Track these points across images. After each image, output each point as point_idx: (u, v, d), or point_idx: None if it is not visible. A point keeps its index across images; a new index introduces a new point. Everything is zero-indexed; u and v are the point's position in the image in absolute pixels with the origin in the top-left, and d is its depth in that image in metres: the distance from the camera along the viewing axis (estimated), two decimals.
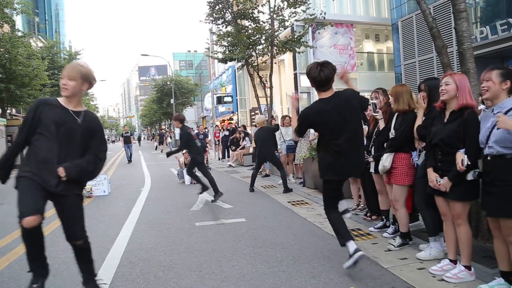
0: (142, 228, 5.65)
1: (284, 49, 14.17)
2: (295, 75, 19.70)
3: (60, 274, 3.89)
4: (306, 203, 6.88)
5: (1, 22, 20.06)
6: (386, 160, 4.08)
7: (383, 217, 4.88)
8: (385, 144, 4.27)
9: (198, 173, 8.10)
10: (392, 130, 4.15)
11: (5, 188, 10.25)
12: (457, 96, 3.18)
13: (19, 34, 21.77)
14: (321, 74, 3.49)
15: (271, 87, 14.59)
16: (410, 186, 4.12)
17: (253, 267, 3.82)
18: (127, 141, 19.82)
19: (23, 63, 19.45)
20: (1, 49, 18.69)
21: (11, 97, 19.79)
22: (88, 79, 3.05)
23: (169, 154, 8.43)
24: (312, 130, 9.32)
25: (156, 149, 30.46)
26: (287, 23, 14.24)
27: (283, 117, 10.52)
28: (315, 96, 19.29)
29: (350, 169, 3.66)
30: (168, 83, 40.38)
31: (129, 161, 19.05)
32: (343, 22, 20.07)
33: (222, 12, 14.67)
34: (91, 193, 8.90)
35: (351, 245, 3.45)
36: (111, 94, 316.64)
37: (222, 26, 15.09)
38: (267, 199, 7.65)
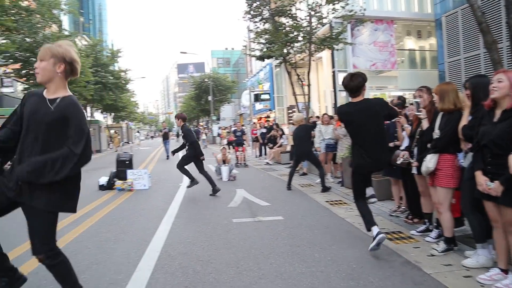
0: (181, 222, 5.78)
1: (322, 47, 13.99)
2: (333, 73, 19.40)
3: (104, 263, 4.03)
4: (345, 203, 6.78)
5: (50, 23, 21.08)
6: (430, 161, 3.94)
7: (426, 220, 4.72)
8: (428, 145, 4.13)
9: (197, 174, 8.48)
10: (437, 130, 3.99)
11: None
12: (510, 94, 3.02)
13: (66, 33, 22.81)
14: (351, 83, 4.15)
15: (309, 85, 14.48)
16: (456, 188, 3.96)
17: (290, 266, 3.82)
18: (165, 137, 20.27)
19: None
20: None
21: None
22: (62, 59, 2.59)
23: (174, 152, 9.09)
24: None
25: None
26: (325, 20, 14.05)
27: (322, 115, 10.42)
28: None
29: (372, 164, 4.19)
30: (206, 80, 40.94)
31: (168, 157, 19.34)
32: (383, 18, 19.53)
33: (259, 10, 14.69)
34: (132, 187, 9.21)
35: (375, 229, 4.03)
36: (151, 91, 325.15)
37: (260, 24, 15.11)
38: (304, 197, 7.61)
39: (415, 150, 4.65)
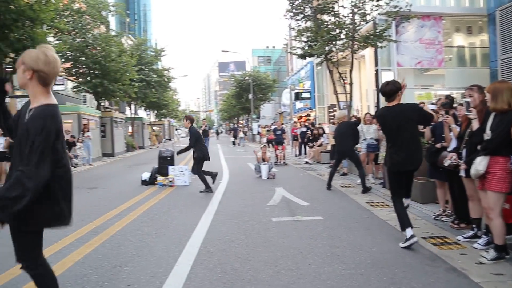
0: (220, 219, 5.84)
1: (365, 44, 13.67)
2: (377, 71, 18.89)
3: (145, 256, 4.15)
4: (386, 205, 6.59)
5: (98, 23, 22.00)
6: (480, 163, 3.74)
7: (474, 226, 4.49)
8: (479, 147, 3.92)
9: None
10: (488, 131, 3.78)
11: (98, 174, 11.20)
12: None
13: (113, 33, 23.71)
14: (386, 88, 4.56)
15: (351, 84, 14.21)
16: (508, 193, 3.73)
17: (329, 267, 3.76)
18: (205, 134, 20.20)
19: (116, 60, 21.14)
20: (98, 48, 20.49)
21: (105, 91, 21.62)
22: (29, 66, 2.39)
23: (179, 153, 9.11)
24: None
25: (233, 143, 31.34)
26: (368, 17, 13.70)
27: (364, 115, 10.18)
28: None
29: (402, 162, 4.47)
30: (247, 78, 41.20)
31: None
32: (430, 14, 18.75)
33: (301, 7, 14.56)
34: (173, 183, 9.43)
35: (409, 231, 4.23)
36: (192, 89, 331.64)
37: (302, 22, 14.98)
38: (344, 198, 7.47)
39: (464, 152, 4.44)
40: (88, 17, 21.13)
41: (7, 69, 12.69)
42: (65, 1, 19.54)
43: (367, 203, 6.83)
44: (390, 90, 4.52)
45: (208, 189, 8.39)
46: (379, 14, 13.81)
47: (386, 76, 18.52)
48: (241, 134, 33.75)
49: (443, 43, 19.05)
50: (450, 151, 4.90)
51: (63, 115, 11.89)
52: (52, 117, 2.40)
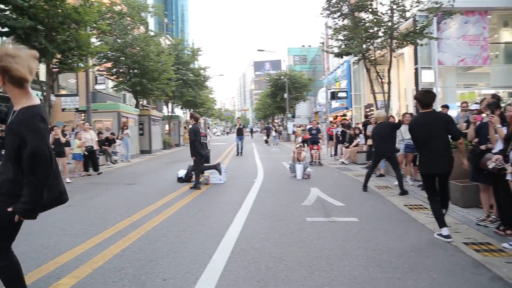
0: (254, 218, 5.86)
1: (404, 42, 13.28)
2: (416, 70, 18.34)
3: (181, 252, 4.22)
4: (425, 208, 6.36)
5: (138, 24, 22.65)
6: None
7: None
8: None
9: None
10: None
11: (136, 170, 11.52)
12: None
13: (152, 34, 24.32)
14: (423, 98, 4.91)
15: (389, 83, 13.87)
16: None
17: (365, 270, 3.68)
18: (239, 133, 20.17)
19: (154, 60, 21.68)
20: (137, 48, 21.09)
21: (144, 90, 22.24)
22: None
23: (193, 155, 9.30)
24: None
25: (266, 142, 31.42)
26: (408, 14, 13.29)
27: (403, 114, 9.89)
28: (438, 93, 17.69)
29: (433, 166, 4.74)
30: (282, 77, 41.08)
31: (239, 153, 19.11)
32: (475, 9, 17.94)
33: (338, 5, 14.35)
34: (208, 181, 9.54)
35: (445, 230, 4.58)
36: (228, 88, 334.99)
37: (339, 20, 14.77)
38: (381, 200, 7.29)
39: (511, 154, 4.21)
40: (128, 18, 21.80)
41: (54, 69, 13.29)
42: (107, 3, 20.28)
43: (405, 205, 6.63)
44: (429, 100, 4.87)
45: (198, 186, 8.90)
46: (419, 10, 13.36)
47: (426, 75, 17.97)
48: (273, 133, 33.73)
49: (489, 39, 18.19)
50: (495, 153, 4.67)
51: (104, 113, 12.52)
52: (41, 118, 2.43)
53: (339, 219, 5.69)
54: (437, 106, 12.52)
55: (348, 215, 5.95)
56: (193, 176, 9.70)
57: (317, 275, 3.57)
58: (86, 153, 11.88)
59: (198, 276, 3.55)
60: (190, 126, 9.90)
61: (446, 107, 9.79)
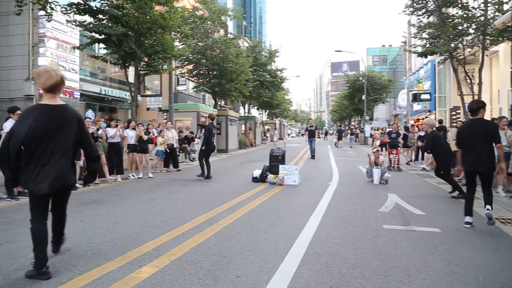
0: (328, 221, 5.75)
1: (500, 39, 12.10)
2: None
3: (254, 250, 4.27)
4: None
5: (218, 28, 23.46)
6: None
7: None
8: None
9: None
10: None
11: (212, 169, 11.84)
12: None
13: (231, 36, 25.04)
14: (473, 105, 5.74)
15: (480, 84, 12.75)
16: None
17: (447, 285, 3.42)
18: (311, 135, 18.90)
19: (233, 61, 22.30)
20: (217, 50, 21.86)
21: (222, 90, 22.98)
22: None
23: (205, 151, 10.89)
24: None
25: (335, 145, 30.83)
26: (506, 6, 12.06)
27: (499, 119, 9.01)
28: None
29: (473, 165, 5.50)
30: (360, 78, 39.89)
31: (312, 156, 18.21)
32: None
33: (424, 1, 13.52)
34: (282, 182, 9.57)
35: (468, 218, 5.57)
36: (304, 89, 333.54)
37: (423, 17, 13.93)
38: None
39: None
40: (209, 22, 22.68)
41: (141, 71, 14.29)
42: (190, 9, 21.32)
43: (496, 218, 6.03)
44: (476, 107, 5.64)
45: (202, 175, 10.65)
46: None
47: None
48: (349, 136, 33.02)
49: None
50: None
51: (185, 113, 13.21)
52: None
53: (419, 229, 5.37)
54: None
55: (429, 225, 5.59)
56: (268, 176, 9.81)
57: (393, 285, 3.40)
58: (167, 150, 12.60)
59: (270, 275, 3.57)
60: (207, 124, 11.69)
61: None
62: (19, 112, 7.74)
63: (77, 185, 8.96)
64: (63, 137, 3.56)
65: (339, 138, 32.03)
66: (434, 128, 9.02)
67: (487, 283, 3.48)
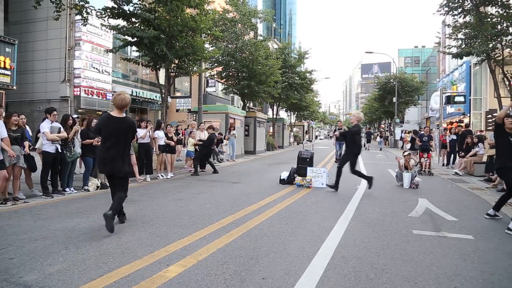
0: (356, 225, 5.67)
1: None
2: None
3: (280, 252, 4.27)
4: None
5: (248, 30, 23.56)
6: None
7: None
8: None
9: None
10: None
11: (240, 170, 11.96)
12: None
13: (260, 38, 25.09)
14: None
15: None
16: None
17: None
18: (339, 138, 17.26)
19: (262, 63, 22.34)
20: (247, 52, 21.96)
21: (251, 92, 23.06)
22: None
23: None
24: None
25: (364, 146, 30.41)
26: None
27: None
28: None
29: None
30: (391, 80, 39.09)
31: (337, 159, 16.96)
32: None
33: (460, 0, 13.11)
34: (310, 184, 9.51)
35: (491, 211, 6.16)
36: (333, 91, 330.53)
37: (459, 16, 13.51)
38: (503, 218, 6.47)
39: None
40: (240, 25, 22.83)
41: (171, 73, 14.54)
42: (220, 11, 21.52)
43: None
44: None
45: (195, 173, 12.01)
46: None
47: None
48: (378, 139, 32.49)
49: None
50: None
51: (214, 114, 13.38)
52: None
53: (450, 235, 5.20)
54: None
55: (461, 232, 5.41)
56: (295, 179, 9.77)
57: None
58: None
59: (296, 278, 3.56)
60: (210, 134, 13.07)
61: None
62: (55, 113, 8.01)
63: (107, 183, 9.24)
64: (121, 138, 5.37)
65: (368, 140, 31.62)
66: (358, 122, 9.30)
67: None
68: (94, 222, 5.56)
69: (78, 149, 8.44)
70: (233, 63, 22.42)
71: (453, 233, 5.31)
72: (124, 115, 5.41)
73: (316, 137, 70.05)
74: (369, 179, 9.06)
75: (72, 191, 8.25)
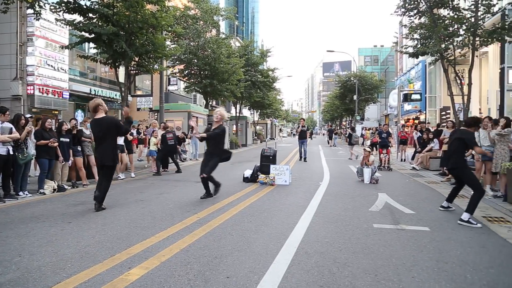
0: (319, 221, 5.76)
1: (489, 40, 12.22)
2: (502, 69, 16.86)
3: (244, 251, 4.27)
4: (508, 221, 5.83)
5: (210, 28, 23.38)
6: None
7: None
8: None
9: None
10: None
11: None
12: None
13: (223, 36, 24.97)
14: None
15: (469, 84, 12.88)
16: None
17: (436, 283, 3.44)
18: (302, 136, 17.42)
19: (224, 62, 22.24)
20: (209, 50, 21.79)
21: (214, 91, 22.91)
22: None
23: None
24: None
25: (328, 143, 31.21)
26: (496, 8, 12.16)
27: (483, 118, 9.14)
28: None
29: None
30: (352, 79, 40.08)
31: (302, 158, 16.90)
32: None
33: (415, 2, 13.61)
34: (273, 182, 9.57)
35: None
36: (296, 89, 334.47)
37: (415, 18, 14.02)
38: (456, 209, 6.80)
39: None
40: (201, 22, 22.60)
41: (131, 71, 14.18)
42: (181, 8, 21.22)
43: (484, 217, 6.12)
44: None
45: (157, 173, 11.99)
46: (509, 3, 12.19)
47: None
48: (333, 136, 33.69)
49: None
50: None
51: (176, 113, 13.20)
52: None
53: (408, 228, 5.40)
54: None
55: (418, 224, 5.63)
56: (259, 177, 9.81)
57: (383, 284, 3.41)
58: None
59: (261, 276, 3.57)
60: (162, 134, 12.71)
61: None
62: (8, 113, 7.60)
63: (66, 186, 8.90)
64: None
65: (330, 137, 32.47)
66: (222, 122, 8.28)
67: (475, 280, 3.51)
68: (51, 226, 5.33)
69: (31, 151, 8.06)
70: (195, 61, 22.16)
71: (410, 226, 5.51)
72: (103, 115, 6.50)
73: (281, 131, 70.63)
74: (217, 185, 7.97)
75: (26, 195, 7.88)
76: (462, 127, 6.51)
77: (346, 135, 16.52)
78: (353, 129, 20.21)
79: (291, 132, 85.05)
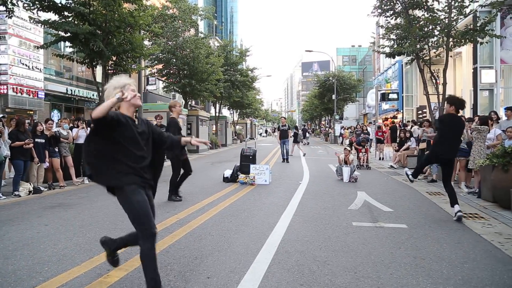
0: (299, 220, 5.80)
1: (463, 41, 12.57)
2: (475, 69, 17.36)
3: (225, 251, 4.26)
4: (482, 217, 6.01)
5: (189, 27, 23.24)
6: None
7: None
8: None
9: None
10: None
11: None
12: None
13: (201, 36, 24.85)
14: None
15: (444, 84, 13.20)
16: None
17: (413, 279, 3.51)
18: (283, 136, 16.51)
19: (203, 61, 22.13)
20: (187, 50, 21.65)
21: (193, 90, 22.78)
22: None
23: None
24: (491, 134, 8.11)
25: (302, 142, 31.96)
26: (468, 10, 12.53)
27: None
28: (499, 94, 16.64)
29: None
30: (330, 78, 40.48)
31: (284, 159, 16.17)
32: None
33: (391, 3, 13.86)
34: (253, 181, 9.58)
35: (456, 207, 5.74)
36: (275, 89, 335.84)
37: (391, 18, 14.28)
38: (432, 206, 6.97)
39: None
40: (180, 21, 22.42)
41: (109, 71, 13.94)
42: (159, 7, 21.00)
43: None
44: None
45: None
46: (481, 5, 12.54)
47: (487, 75, 17.03)
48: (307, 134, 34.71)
49: None
50: None
51: (155, 113, 12.99)
52: None
53: (386, 225, 5.50)
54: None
55: (396, 221, 5.74)
56: (239, 176, 9.80)
57: (362, 281, 3.46)
58: None
59: (241, 275, 3.57)
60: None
61: (510, 109, 9.11)
62: None
63: (42, 188, 8.69)
64: None
65: (304, 136, 33.06)
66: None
67: (450, 275, 3.60)
68: (27, 229, 5.19)
69: (4, 152, 7.84)
70: (174, 60, 21.99)
71: (389, 223, 5.61)
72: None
73: (260, 134, 70.67)
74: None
75: (0, 197, 7.65)
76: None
77: (326, 134, 17.01)
78: (297, 128, 23.24)
79: (266, 130, 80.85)
